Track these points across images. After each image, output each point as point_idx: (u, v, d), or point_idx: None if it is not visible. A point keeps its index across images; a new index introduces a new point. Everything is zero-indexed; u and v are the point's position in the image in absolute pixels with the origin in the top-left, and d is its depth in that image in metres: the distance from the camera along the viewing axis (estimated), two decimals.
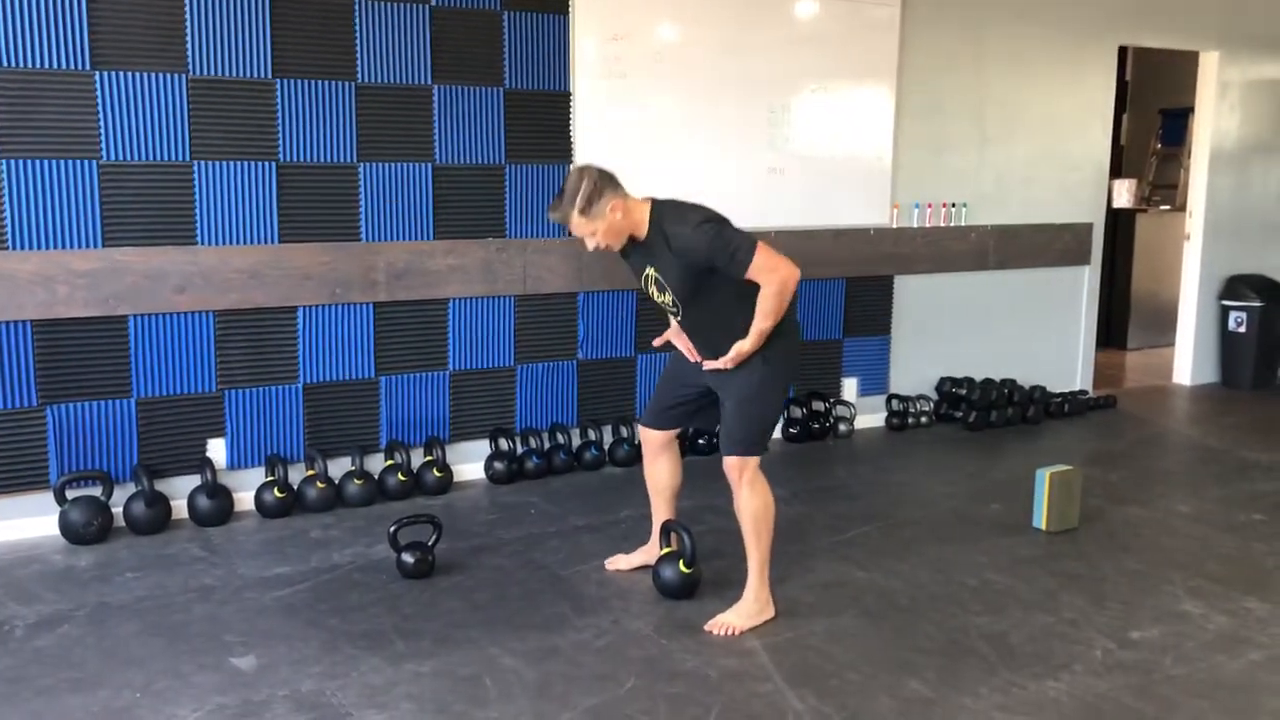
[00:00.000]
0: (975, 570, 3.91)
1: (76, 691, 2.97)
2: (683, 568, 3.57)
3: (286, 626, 3.39)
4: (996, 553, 4.08)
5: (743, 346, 3.32)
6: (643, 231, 3.33)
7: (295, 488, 4.49)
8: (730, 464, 3.39)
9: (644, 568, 3.81)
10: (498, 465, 4.91)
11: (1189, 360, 7.31)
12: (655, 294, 3.46)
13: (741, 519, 3.45)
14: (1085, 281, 6.67)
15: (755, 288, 3.26)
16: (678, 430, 3.73)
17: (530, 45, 4.82)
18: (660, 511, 3.78)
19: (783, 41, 5.40)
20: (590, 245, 3.38)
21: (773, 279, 3.23)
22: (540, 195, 4.93)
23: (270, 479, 4.46)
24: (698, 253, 3.23)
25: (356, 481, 4.56)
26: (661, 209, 3.34)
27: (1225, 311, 7.25)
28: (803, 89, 5.50)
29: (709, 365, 3.44)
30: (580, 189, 3.26)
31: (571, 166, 3.28)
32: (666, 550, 3.65)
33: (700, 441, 5.33)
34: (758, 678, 3.09)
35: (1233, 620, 3.50)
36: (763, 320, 3.28)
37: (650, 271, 3.40)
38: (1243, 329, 7.17)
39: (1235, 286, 7.21)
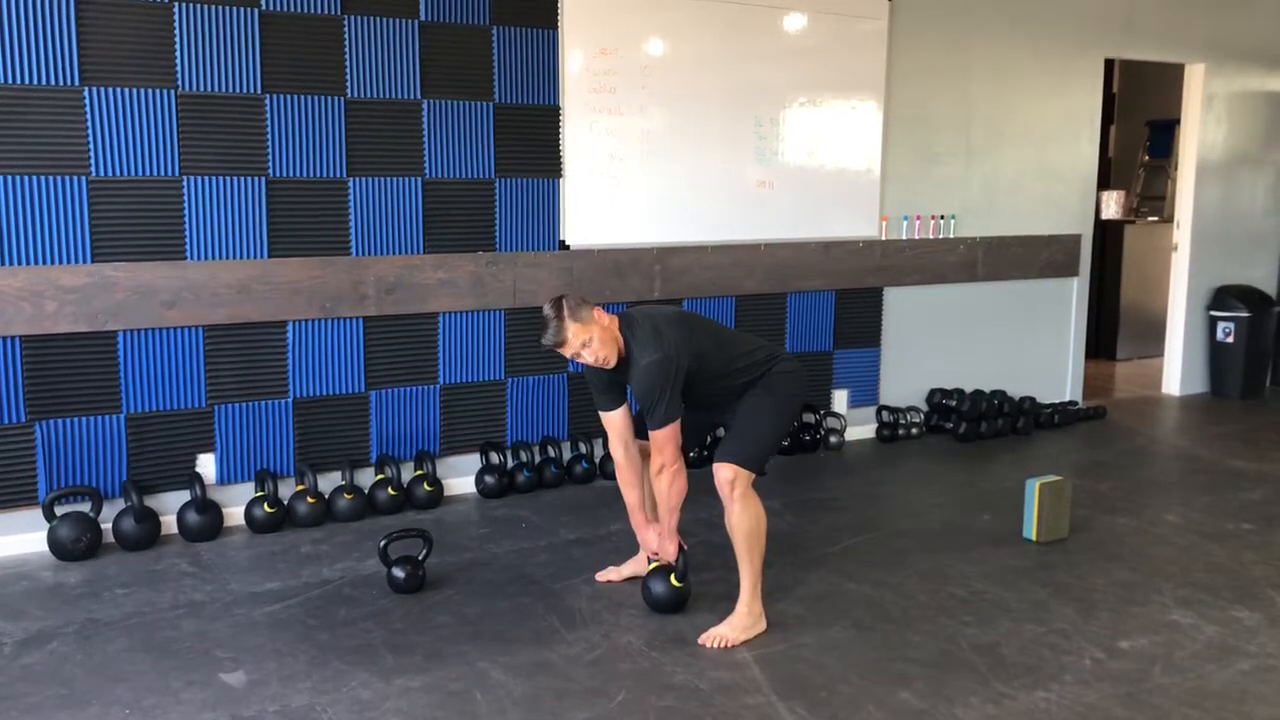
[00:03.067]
0: (965, 581, 3.92)
1: (65, 708, 2.96)
2: (674, 582, 3.57)
3: (276, 642, 3.38)
4: (987, 563, 4.09)
5: (668, 528, 3.58)
6: (623, 349, 3.44)
7: (285, 503, 4.48)
8: (723, 473, 3.39)
9: (634, 579, 3.81)
10: (488, 479, 4.90)
11: (1178, 371, 7.34)
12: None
13: (734, 535, 3.45)
14: (1074, 293, 6.70)
15: (743, 354, 3.53)
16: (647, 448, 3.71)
17: (519, 60, 4.84)
18: (641, 524, 3.78)
19: (771, 55, 5.43)
20: (589, 357, 3.38)
21: (656, 457, 3.44)
22: (531, 209, 4.95)
23: (260, 494, 4.45)
24: (636, 390, 3.40)
25: (347, 496, 4.56)
26: (629, 329, 3.44)
27: (1213, 322, 7.28)
28: (791, 102, 5.52)
29: (654, 550, 3.68)
30: (564, 305, 3.35)
31: (544, 305, 3.42)
32: (656, 564, 3.64)
33: (690, 455, 5.31)
34: (748, 690, 3.08)
35: (1222, 630, 3.51)
36: (668, 512, 3.54)
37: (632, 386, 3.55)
38: (1230, 339, 7.20)
39: (1223, 297, 7.25)
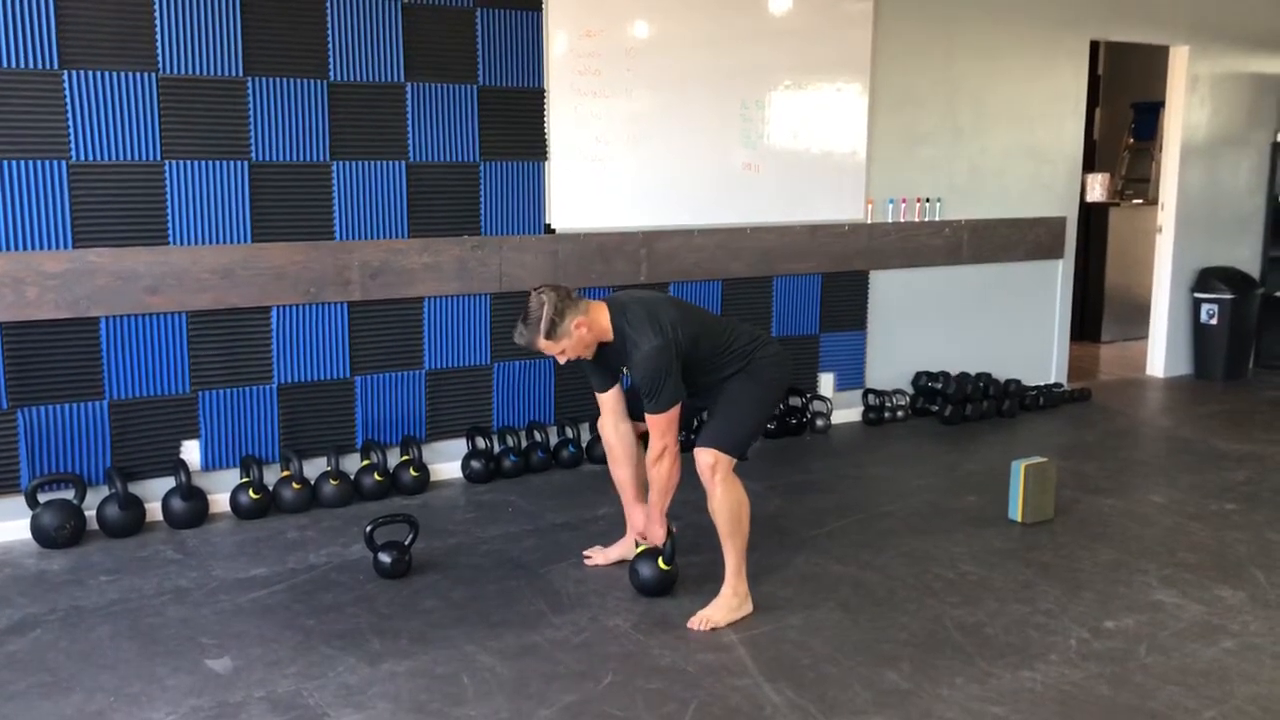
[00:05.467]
0: (951, 562, 3.93)
1: (49, 696, 2.95)
2: (661, 565, 3.57)
3: (262, 628, 3.37)
4: (972, 544, 4.10)
5: (657, 509, 3.58)
6: (610, 335, 3.44)
7: (270, 489, 4.47)
8: (704, 459, 3.39)
9: (621, 562, 3.82)
10: (475, 464, 4.89)
11: (1162, 353, 7.37)
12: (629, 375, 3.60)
13: (717, 519, 3.45)
14: (1059, 275, 6.71)
15: (730, 342, 3.51)
16: (638, 431, 3.72)
17: (503, 42, 4.81)
18: (631, 502, 3.79)
19: (756, 36, 5.41)
20: (560, 360, 3.46)
21: (657, 442, 3.44)
22: (515, 193, 4.92)
23: (245, 480, 4.43)
24: (635, 375, 3.41)
25: (332, 482, 4.54)
26: (622, 315, 3.44)
27: (1197, 304, 7.31)
28: (777, 84, 5.51)
29: (642, 532, 3.68)
30: (543, 315, 3.35)
31: (531, 292, 3.44)
32: (644, 547, 3.65)
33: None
34: (735, 672, 3.09)
35: (1205, 609, 3.53)
36: (660, 494, 3.54)
37: (625, 370, 3.55)
38: (1214, 321, 7.23)
39: (1206, 279, 7.28)
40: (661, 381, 3.34)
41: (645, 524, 3.66)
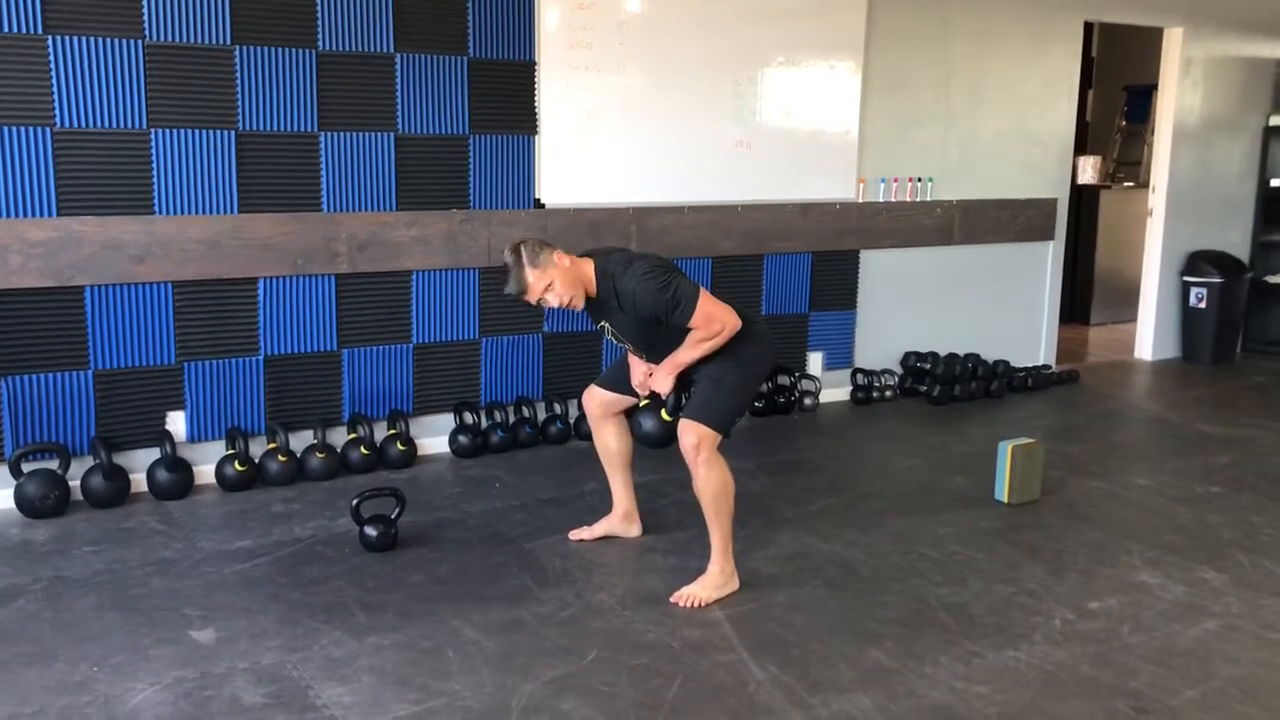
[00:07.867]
0: (937, 542, 3.94)
1: (33, 665, 2.94)
2: (664, 416, 3.49)
3: (247, 600, 3.37)
4: (958, 524, 4.11)
5: (674, 359, 3.42)
6: (594, 288, 3.40)
7: (256, 461, 4.45)
8: (688, 437, 3.36)
9: (607, 538, 3.82)
10: (462, 439, 4.88)
11: (1150, 336, 7.39)
12: (616, 341, 3.55)
13: (701, 498, 3.44)
14: (1049, 257, 6.71)
15: None
16: (623, 404, 3.72)
17: (494, 13, 4.76)
18: (616, 479, 3.80)
19: (750, 13, 5.37)
20: (554, 301, 3.36)
21: (713, 326, 3.34)
22: (505, 167, 4.89)
23: (231, 452, 4.41)
24: (645, 307, 3.32)
25: (319, 455, 4.53)
26: (606, 264, 3.40)
27: (1186, 287, 7.32)
28: (770, 62, 5.47)
29: (646, 381, 3.53)
30: (523, 250, 3.32)
31: (506, 251, 3.41)
32: (646, 401, 3.56)
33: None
34: (720, 648, 3.09)
35: (1189, 590, 3.55)
36: (690, 349, 3.38)
37: (607, 325, 3.49)
38: (1203, 305, 7.24)
39: (1196, 263, 7.28)
40: (671, 286, 3.28)
41: (652, 375, 3.52)
